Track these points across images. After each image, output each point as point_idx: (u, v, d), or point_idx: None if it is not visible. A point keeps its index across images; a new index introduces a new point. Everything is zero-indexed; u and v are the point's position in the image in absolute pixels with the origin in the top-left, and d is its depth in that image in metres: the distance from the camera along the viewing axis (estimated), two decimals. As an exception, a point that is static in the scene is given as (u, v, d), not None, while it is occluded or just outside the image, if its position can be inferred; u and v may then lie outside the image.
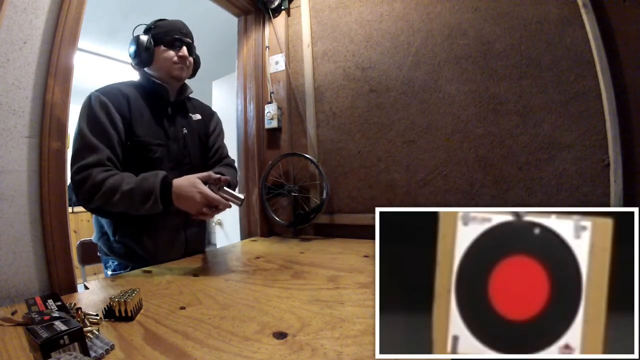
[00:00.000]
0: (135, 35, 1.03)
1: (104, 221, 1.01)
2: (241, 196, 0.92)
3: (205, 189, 0.87)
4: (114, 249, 1.00)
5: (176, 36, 1.02)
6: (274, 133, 1.61)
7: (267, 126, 1.59)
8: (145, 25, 1.06)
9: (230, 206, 0.91)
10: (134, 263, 1.00)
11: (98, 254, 1.09)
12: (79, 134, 0.88)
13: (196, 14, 2.30)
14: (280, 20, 1.61)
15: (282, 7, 1.60)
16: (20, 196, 0.74)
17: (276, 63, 1.62)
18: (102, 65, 3.22)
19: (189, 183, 0.87)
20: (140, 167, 0.92)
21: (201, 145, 1.15)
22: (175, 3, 2.26)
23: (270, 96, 1.61)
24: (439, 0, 1.25)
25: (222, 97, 2.56)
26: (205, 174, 0.90)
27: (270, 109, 1.56)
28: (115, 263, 1.03)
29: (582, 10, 0.99)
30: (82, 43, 2.28)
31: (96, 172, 0.84)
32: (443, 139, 1.25)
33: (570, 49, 1.03)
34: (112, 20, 2.51)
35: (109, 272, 1.04)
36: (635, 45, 0.94)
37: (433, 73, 1.26)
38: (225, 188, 0.92)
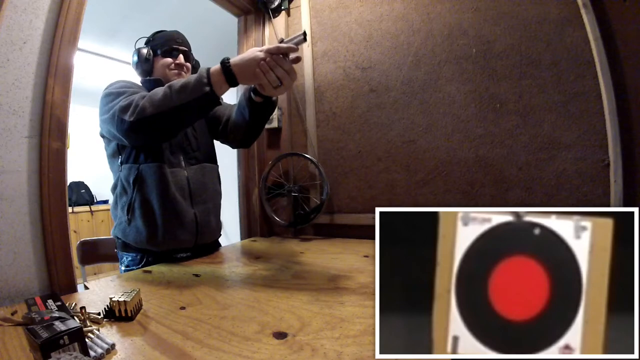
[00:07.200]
0: (136, 47, 1.14)
1: (119, 205, 1.03)
2: (300, 33, 0.81)
3: (265, 47, 0.80)
4: (127, 234, 1.02)
5: (173, 46, 1.12)
6: (274, 133, 1.60)
7: (267, 126, 1.59)
8: (145, 38, 1.17)
9: (296, 49, 0.80)
10: (147, 245, 1.01)
11: (115, 250, 1.11)
12: (109, 97, 0.93)
13: (196, 14, 2.30)
14: (280, 20, 1.61)
15: (282, 7, 1.59)
16: (20, 196, 0.74)
17: (276, 63, 1.62)
18: (102, 65, 3.22)
19: (249, 51, 0.82)
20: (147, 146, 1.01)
21: (210, 124, 1.20)
22: (175, 3, 2.25)
23: (271, 96, 1.61)
24: (439, 0, 1.25)
25: (222, 97, 2.57)
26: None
27: (270, 109, 1.56)
28: (129, 259, 1.05)
29: (582, 11, 0.99)
30: (82, 43, 2.27)
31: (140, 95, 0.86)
32: (443, 139, 1.25)
33: (570, 49, 1.03)
34: (112, 20, 2.50)
35: (123, 268, 1.06)
36: (635, 45, 0.94)
37: (433, 73, 1.26)
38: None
